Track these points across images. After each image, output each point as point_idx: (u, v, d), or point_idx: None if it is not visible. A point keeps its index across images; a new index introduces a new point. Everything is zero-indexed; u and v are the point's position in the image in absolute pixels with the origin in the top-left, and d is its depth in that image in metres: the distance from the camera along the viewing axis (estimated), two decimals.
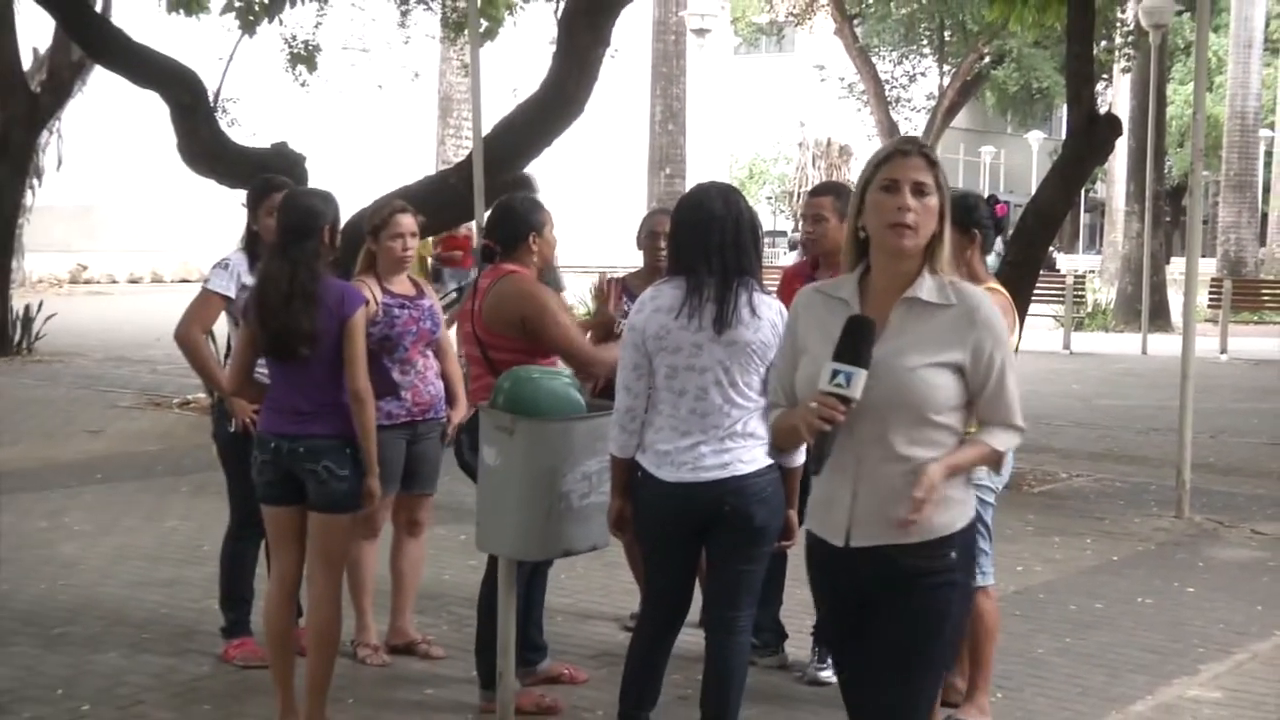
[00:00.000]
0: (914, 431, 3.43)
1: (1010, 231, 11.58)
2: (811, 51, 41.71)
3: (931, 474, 3.39)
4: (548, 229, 5.68)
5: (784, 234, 42.23)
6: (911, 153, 3.47)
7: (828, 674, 5.94)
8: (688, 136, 28.02)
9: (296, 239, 5.11)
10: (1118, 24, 26.43)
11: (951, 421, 3.48)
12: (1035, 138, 50.60)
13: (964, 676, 5.55)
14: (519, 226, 5.62)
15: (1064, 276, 24.90)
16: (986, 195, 5.72)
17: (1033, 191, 11.97)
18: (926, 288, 3.46)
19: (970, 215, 5.46)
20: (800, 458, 4.54)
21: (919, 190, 3.42)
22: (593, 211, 34.72)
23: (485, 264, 5.67)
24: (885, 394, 3.39)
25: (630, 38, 16.98)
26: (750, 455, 4.66)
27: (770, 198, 49.11)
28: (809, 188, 38.68)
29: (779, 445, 3.76)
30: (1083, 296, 25.94)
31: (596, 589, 7.22)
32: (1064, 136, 11.72)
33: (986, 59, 33.02)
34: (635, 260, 6.74)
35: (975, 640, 5.46)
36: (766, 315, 4.70)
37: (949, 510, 3.49)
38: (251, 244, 6.07)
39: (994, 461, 3.61)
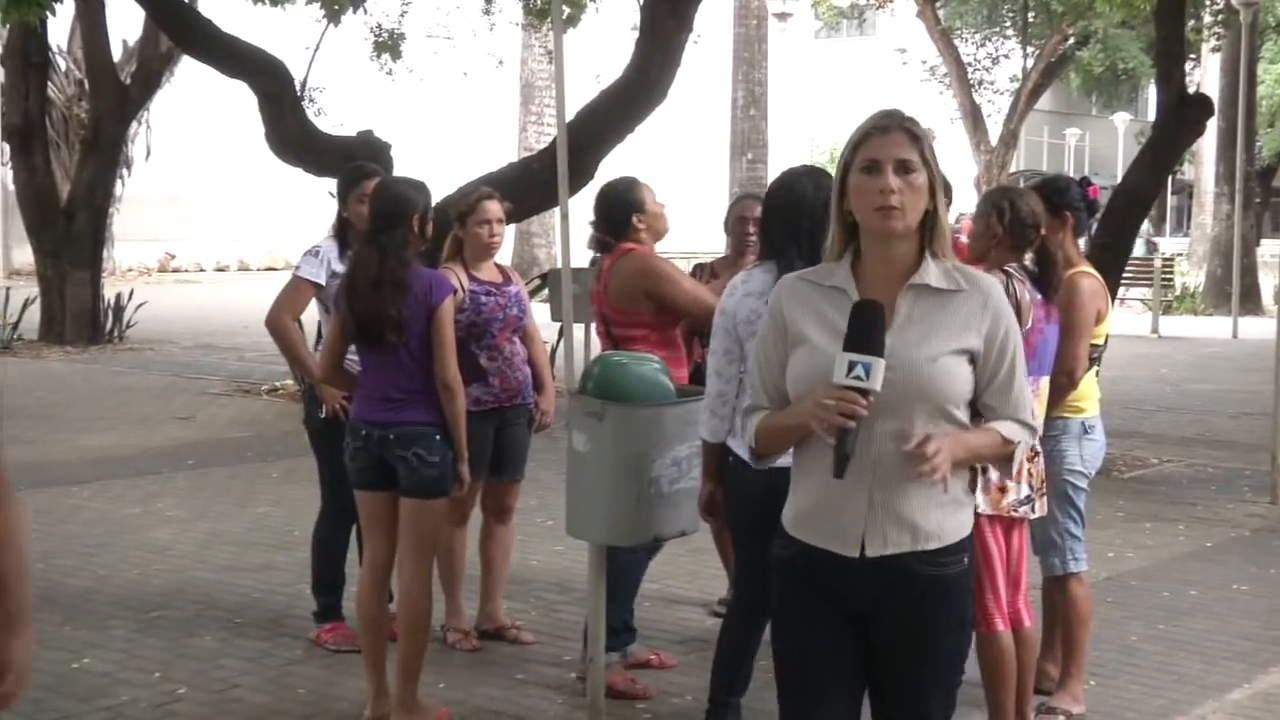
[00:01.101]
0: (932, 426, 3.14)
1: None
2: (893, 35, 41.36)
3: (941, 442, 3.07)
4: (649, 203, 5.74)
5: None
6: (891, 128, 3.20)
7: None
8: (769, 121, 27.90)
9: (387, 226, 5.15)
10: (1207, 2, 25.97)
11: (965, 417, 3.25)
12: (1121, 119, 49.87)
13: (1056, 663, 5.50)
14: (618, 210, 5.72)
15: (1152, 259, 24.56)
16: (1079, 177, 5.65)
17: (1118, 174, 11.84)
18: (933, 273, 3.21)
19: (1062, 197, 5.41)
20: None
21: (903, 168, 3.15)
22: (675, 197, 34.62)
23: (601, 255, 5.79)
24: (904, 386, 3.12)
25: (712, 22, 16.94)
26: None
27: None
28: None
29: (763, 450, 3.33)
30: (1171, 279, 25.59)
31: (684, 574, 7.22)
32: (1151, 118, 11.58)
33: (1071, 40, 32.57)
34: (718, 245, 6.74)
35: (1068, 627, 5.41)
36: None
37: (962, 512, 3.28)
38: (342, 231, 6.12)
39: (1003, 457, 3.28)
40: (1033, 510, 4.96)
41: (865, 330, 3.04)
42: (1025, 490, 4.91)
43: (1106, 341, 5.51)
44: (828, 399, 3.03)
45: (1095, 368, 5.47)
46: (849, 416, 3.01)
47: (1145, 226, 20.90)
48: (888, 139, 3.18)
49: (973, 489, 3.34)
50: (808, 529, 3.25)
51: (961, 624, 3.33)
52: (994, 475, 4.84)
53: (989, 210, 5.03)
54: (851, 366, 3.02)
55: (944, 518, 3.22)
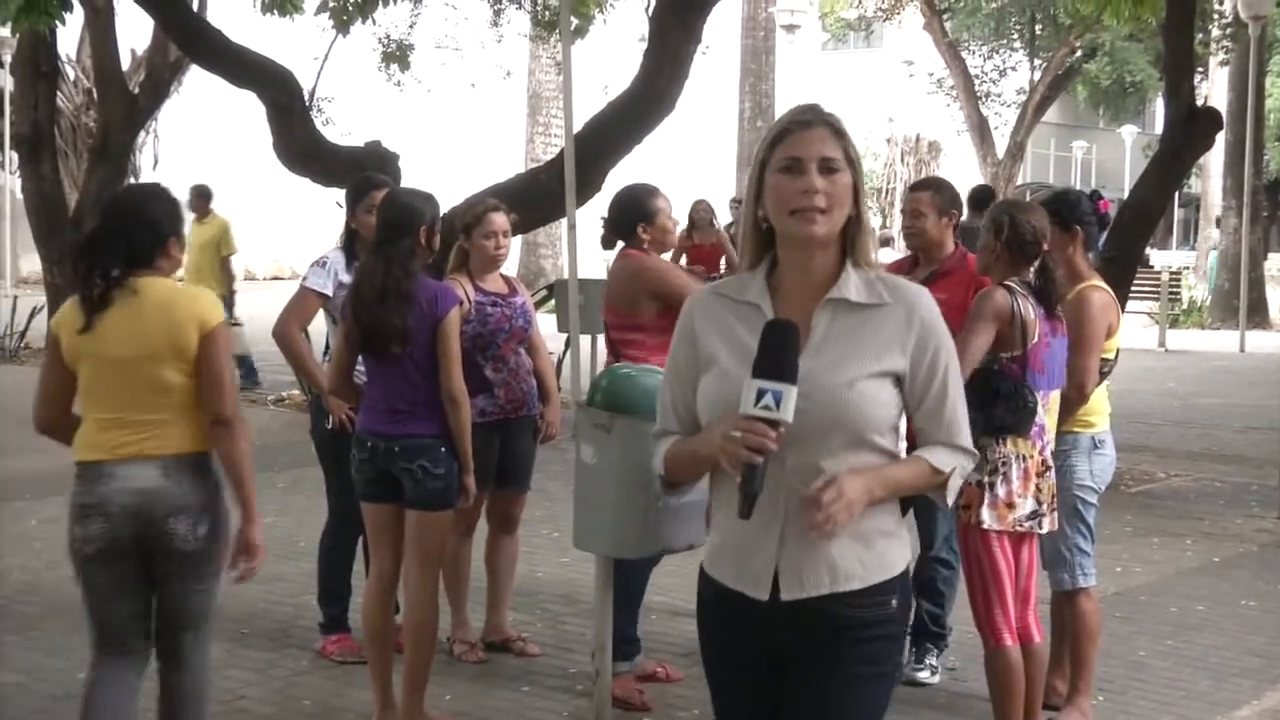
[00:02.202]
0: (852, 457, 2.86)
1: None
2: (900, 47, 41.35)
3: (846, 486, 2.78)
4: (660, 216, 5.75)
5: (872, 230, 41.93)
6: (814, 123, 2.91)
7: (925, 674, 5.90)
8: None
9: (394, 237, 5.15)
10: (1215, 16, 25.99)
11: (891, 445, 2.94)
12: (1128, 132, 49.86)
13: (1065, 679, 5.48)
14: (627, 215, 5.80)
15: (1159, 273, 24.54)
16: (1089, 191, 5.64)
17: (1125, 187, 11.82)
18: (854, 285, 2.92)
19: (1072, 211, 5.41)
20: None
21: (827, 167, 2.87)
22: (682, 208, 34.64)
23: (609, 249, 5.98)
24: (819, 415, 2.82)
25: (720, 34, 16.95)
26: None
27: None
28: (897, 184, 38.42)
29: (673, 479, 3.03)
30: (1178, 293, 25.56)
31: (690, 587, 7.10)
32: (1158, 131, 11.57)
33: (1078, 53, 32.61)
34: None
35: (1077, 642, 5.40)
36: None
37: (891, 549, 2.96)
38: (350, 242, 6.12)
39: (934, 486, 2.96)
40: (1040, 525, 4.95)
41: (776, 354, 2.76)
42: (1033, 505, 4.89)
43: (1117, 356, 5.50)
44: (734, 430, 2.74)
45: (1105, 382, 5.46)
46: (757, 451, 2.72)
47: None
48: (810, 135, 2.89)
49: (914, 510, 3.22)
50: (720, 568, 2.99)
51: (882, 675, 2.99)
52: (1000, 491, 4.83)
53: (989, 226, 5.02)
54: (760, 395, 2.73)
55: (867, 555, 2.91)
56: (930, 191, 6.01)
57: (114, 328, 4.16)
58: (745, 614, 2.95)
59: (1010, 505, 4.86)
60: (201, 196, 15.54)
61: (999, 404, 4.80)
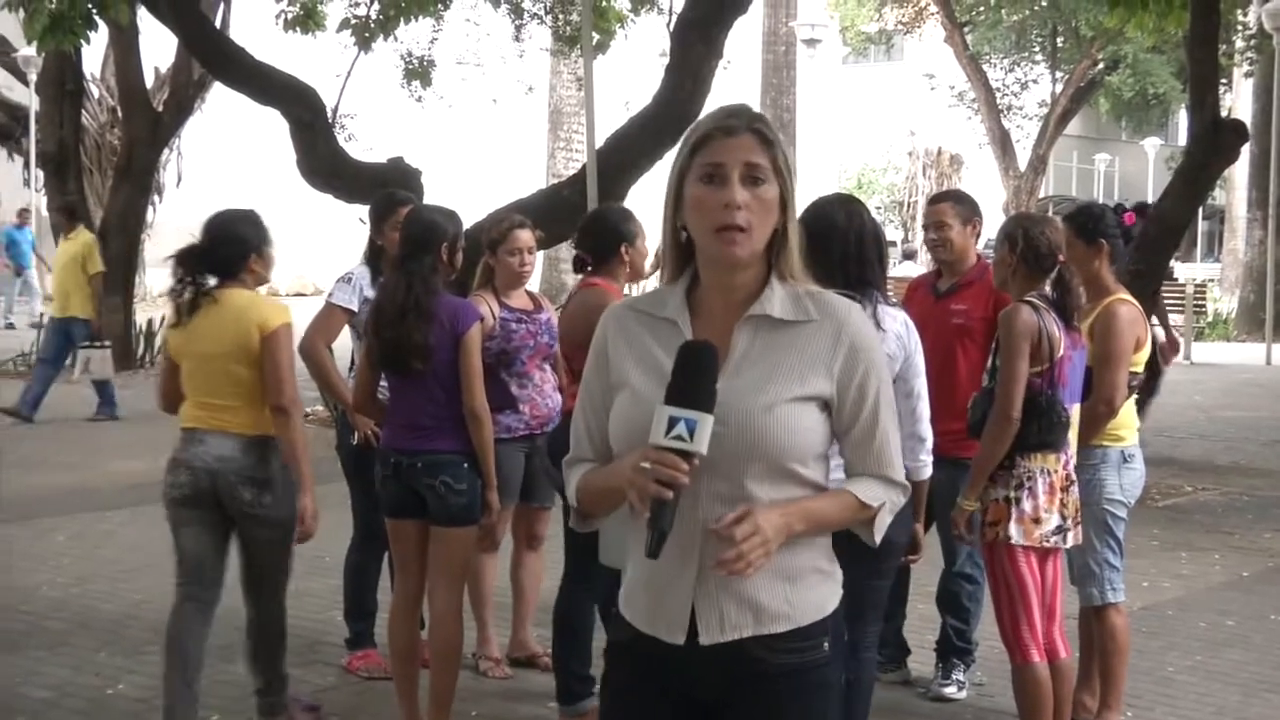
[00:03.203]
0: (773, 489, 2.63)
1: None
2: (921, 60, 41.36)
3: (762, 520, 2.54)
4: (640, 240, 5.66)
5: (894, 244, 41.92)
6: (739, 129, 2.65)
7: (952, 690, 5.88)
8: (797, 147, 27.91)
9: (415, 254, 5.17)
10: (1239, 27, 25.89)
11: (818, 475, 2.70)
12: (1151, 144, 49.72)
13: (1094, 694, 5.45)
14: (609, 237, 5.59)
15: (1183, 285, 24.46)
16: (1114, 204, 5.62)
17: (1149, 199, 11.80)
18: (778, 301, 2.67)
19: (1097, 225, 5.39)
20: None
21: (751, 177, 2.62)
22: None
23: (578, 274, 5.67)
24: (735, 441, 2.59)
25: (740, 49, 16.95)
26: None
27: (880, 208, 48.81)
28: (919, 197, 38.33)
29: (587, 511, 2.80)
30: (1203, 306, 25.46)
31: None
32: (1181, 143, 11.56)
33: (1100, 65, 32.56)
34: None
35: (1106, 658, 5.37)
36: (891, 327, 4.64)
37: (822, 587, 2.73)
38: (374, 258, 6.13)
39: (861, 522, 2.72)
40: (1065, 540, 4.93)
41: (692, 379, 2.53)
42: (1058, 520, 4.87)
43: (1145, 369, 5.48)
44: (643, 462, 2.50)
45: (1134, 396, 5.44)
46: (667, 485, 2.48)
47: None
48: (734, 142, 2.64)
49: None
50: (634, 609, 2.75)
51: None
52: (1026, 506, 4.81)
53: (1003, 240, 5.01)
54: (672, 424, 2.49)
55: (795, 593, 2.66)
56: (951, 201, 6.02)
57: (201, 329, 5.03)
58: (659, 662, 2.70)
59: (1036, 520, 4.84)
60: (65, 212, 15.21)
61: (1033, 420, 4.78)
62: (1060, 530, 4.89)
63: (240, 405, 5.02)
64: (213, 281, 5.11)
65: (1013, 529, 4.83)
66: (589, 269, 5.56)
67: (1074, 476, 4.96)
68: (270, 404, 5.00)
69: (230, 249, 5.13)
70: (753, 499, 2.60)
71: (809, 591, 2.69)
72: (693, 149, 2.67)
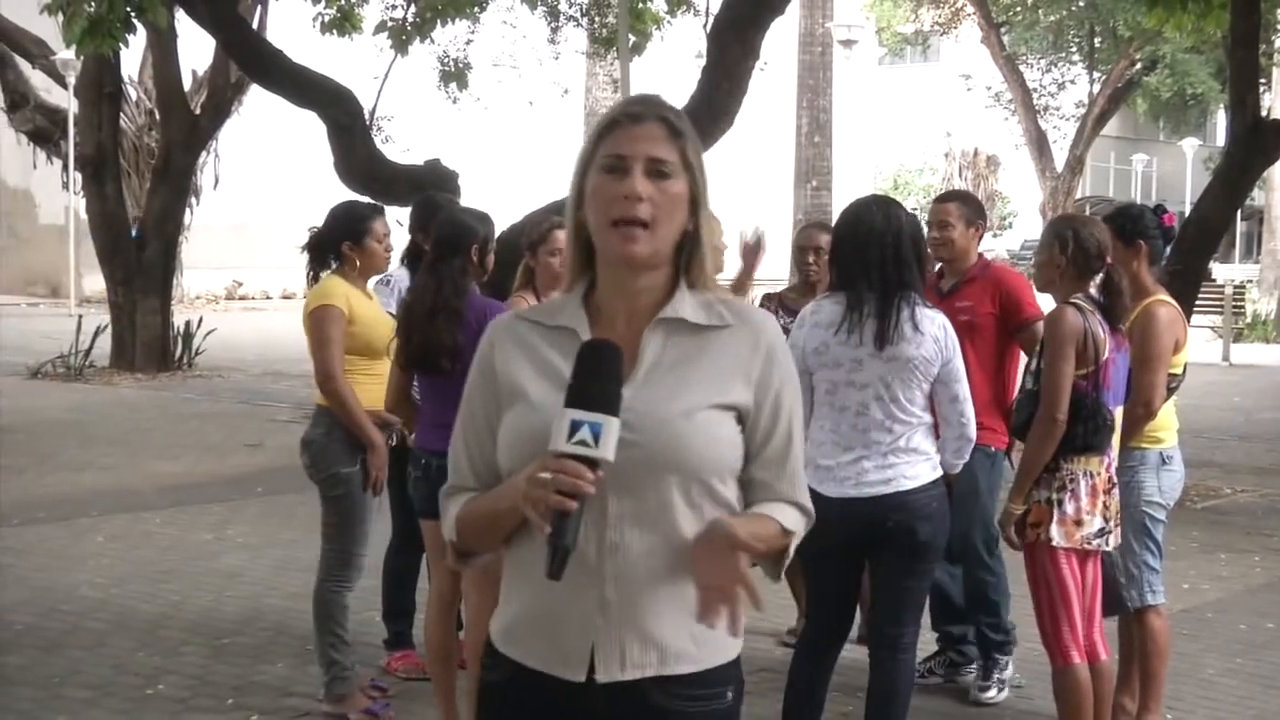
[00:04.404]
0: (689, 509, 2.38)
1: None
2: (957, 61, 41.22)
3: (739, 529, 2.31)
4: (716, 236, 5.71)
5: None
6: (645, 117, 2.43)
7: (992, 693, 5.86)
8: (834, 148, 27.86)
9: (446, 255, 5.20)
10: (1279, 27, 25.71)
11: (732, 497, 2.44)
12: (1189, 145, 49.43)
13: (1133, 697, 5.42)
14: None
15: (1222, 287, 24.29)
16: (1154, 205, 5.59)
17: (1187, 200, 11.72)
18: (689, 306, 2.45)
19: (1136, 226, 5.36)
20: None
21: (657, 170, 2.39)
22: (739, 224, 34.70)
23: None
24: (648, 452, 2.34)
25: (777, 50, 16.94)
26: (914, 471, 4.62)
27: (916, 209, 48.73)
28: None
29: (465, 545, 2.51)
30: (1242, 307, 25.29)
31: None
32: (1220, 143, 11.49)
33: (1138, 65, 32.38)
34: (782, 272, 6.75)
35: (1146, 660, 5.34)
36: (929, 330, 4.64)
37: (725, 628, 2.41)
38: (413, 260, 6.15)
39: (776, 553, 2.45)
40: (1107, 542, 4.91)
41: (594, 379, 2.29)
42: (1100, 522, 4.85)
43: (1185, 371, 5.45)
44: (543, 471, 2.24)
45: (1173, 398, 5.40)
46: (570, 496, 2.22)
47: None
48: (639, 130, 2.41)
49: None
50: (521, 645, 2.45)
51: None
52: (1069, 508, 4.79)
53: (1052, 240, 4.97)
54: (575, 428, 2.25)
55: (704, 633, 2.37)
56: (957, 202, 6.05)
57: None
58: (549, 702, 2.43)
59: (1078, 522, 4.82)
60: None
61: (1078, 423, 4.76)
62: (1102, 533, 4.87)
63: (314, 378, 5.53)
64: (334, 267, 5.58)
65: (1054, 531, 4.81)
66: None
67: (1115, 479, 4.94)
68: (316, 380, 5.48)
69: (330, 238, 5.56)
70: (666, 519, 2.36)
71: (718, 631, 2.36)
72: (597, 137, 2.45)
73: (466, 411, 2.57)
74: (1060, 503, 4.82)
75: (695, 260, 2.46)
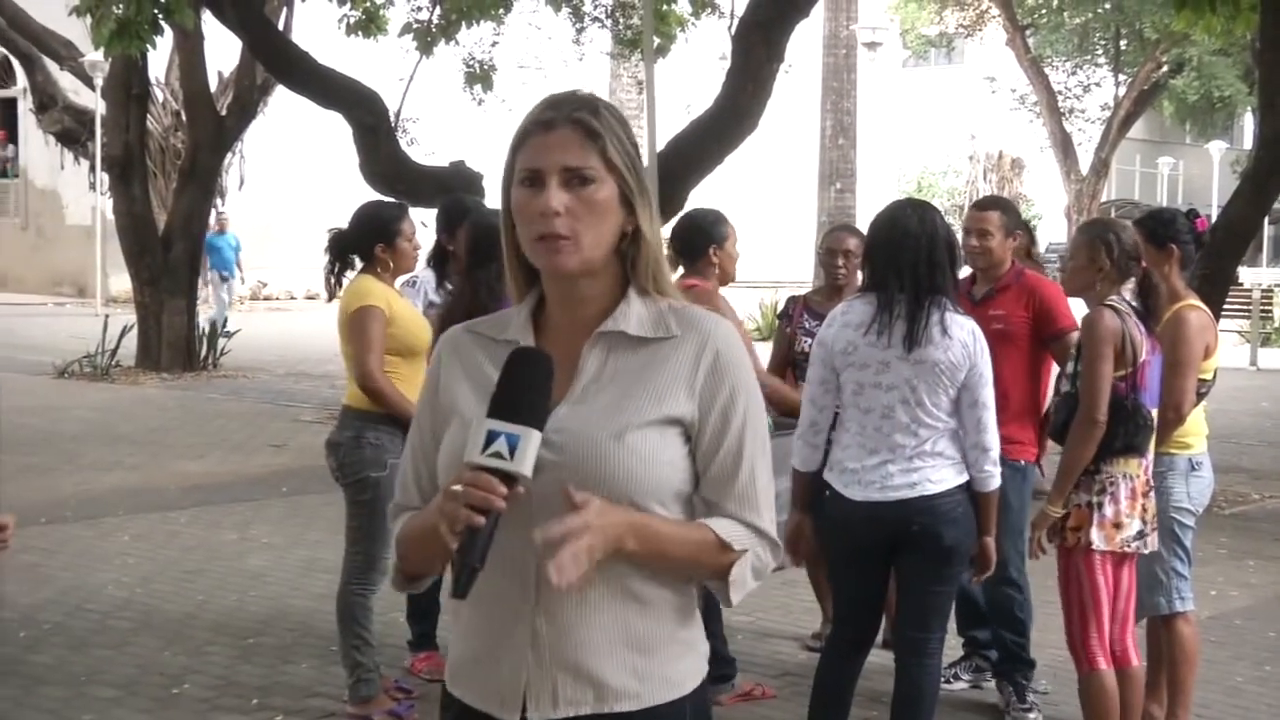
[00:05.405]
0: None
1: None
2: (982, 63, 41.12)
3: (594, 513, 2.12)
4: (729, 242, 5.72)
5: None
6: (556, 123, 2.25)
7: (1034, 716, 5.72)
8: (858, 151, 27.81)
9: (482, 260, 5.21)
10: None
11: (682, 518, 2.29)
12: (1216, 148, 49.17)
13: (1161, 704, 5.39)
14: (699, 238, 5.69)
15: (1249, 291, 24.17)
16: (1186, 209, 5.56)
17: (1214, 203, 11.66)
18: (634, 317, 2.29)
19: (1168, 230, 5.33)
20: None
21: (576, 179, 2.23)
22: (764, 226, 34.73)
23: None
24: (575, 473, 2.19)
25: (801, 52, 16.92)
26: (939, 475, 4.59)
27: (940, 211, 48.47)
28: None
29: (410, 568, 2.38)
30: (1269, 311, 25.16)
31: (776, 607, 7.16)
32: (1247, 146, 11.43)
33: (1164, 68, 32.28)
34: (806, 275, 6.74)
35: (1174, 667, 5.31)
36: (958, 335, 4.62)
37: (682, 660, 2.31)
38: (440, 261, 6.15)
39: (717, 568, 2.27)
40: (1146, 546, 4.89)
41: (517, 388, 2.16)
42: (1139, 525, 4.83)
43: (1215, 376, 5.42)
44: (456, 485, 2.11)
45: (1202, 403, 5.37)
46: (481, 510, 2.08)
47: None
48: (550, 139, 2.24)
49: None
50: (462, 684, 2.34)
51: None
52: (1108, 511, 4.76)
53: (1095, 244, 4.93)
54: (491, 439, 2.11)
55: (647, 665, 2.25)
56: (999, 211, 5.99)
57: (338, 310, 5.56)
58: None
59: (1118, 525, 4.80)
60: None
61: (1119, 425, 4.74)
62: (1140, 535, 4.85)
63: (350, 380, 5.49)
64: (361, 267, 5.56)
65: (1095, 534, 4.79)
66: (680, 269, 5.66)
67: (1152, 482, 4.92)
68: (355, 379, 5.43)
69: (354, 240, 5.53)
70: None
71: (665, 664, 2.26)
72: (514, 149, 2.29)
73: (415, 429, 2.43)
74: (1100, 506, 4.79)
75: (641, 264, 2.30)
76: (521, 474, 2.10)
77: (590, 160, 2.24)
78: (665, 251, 2.40)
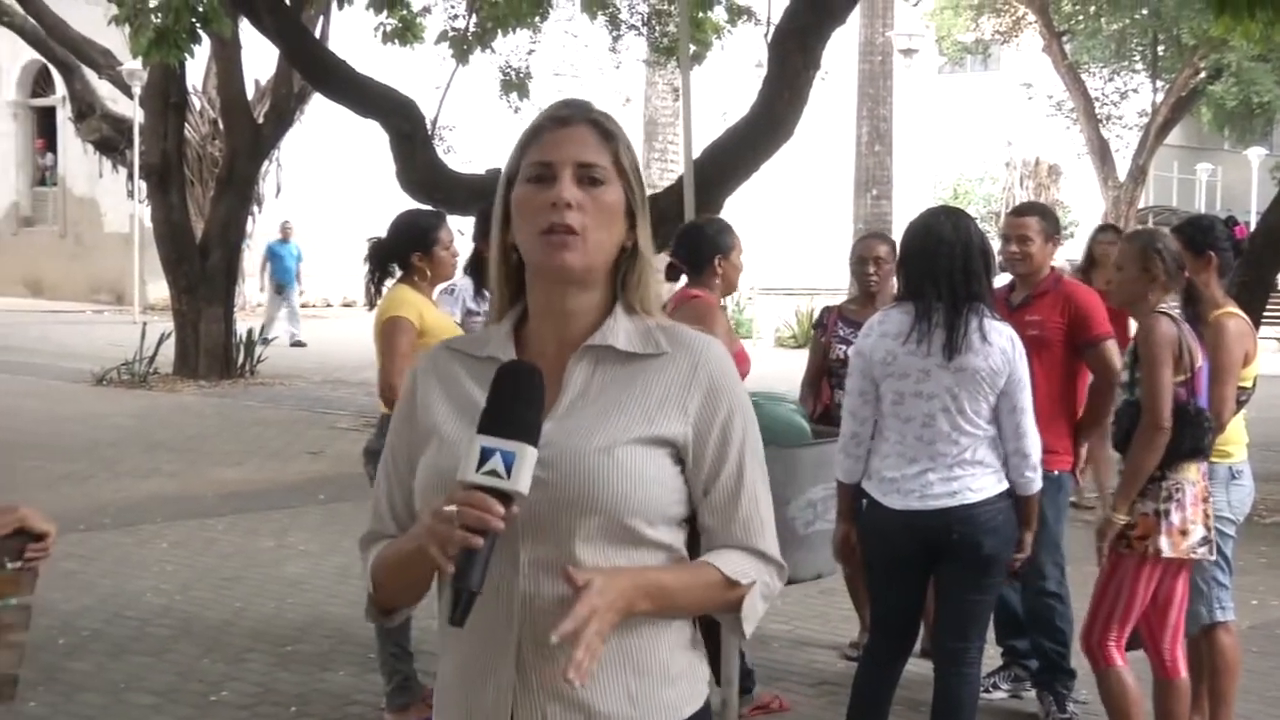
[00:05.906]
0: (612, 553, 2.13)
1: None
2: (1018, 69, 40.96)
3: (600, 593, 2.03)
4: (735, 253, 5.66)
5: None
6: (572, 120, 2.21)
7: None
8: (894, 157, 27.74)
9: None
10: None
11: (667, 540, 2.19)
12: (1255, 154, 48.79)
13: (1203, 715, 5.35)
14: (705, 248, 5.61)
15: None
16: (1225, 216, 5.53)
17: (1252, 210, 11.58)
18: (623, 331, 2.22)
19: (1206, 237, 5.30)
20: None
21: (588, 176, 2.17)
22: (799, 234, 34.67)
23: (669, 281, 5.67)
24: (564, 490, 2.11)
25: (837, 59, 16.90)
26: (979, 483, 4.58)
27: (976, 218, 48.31)
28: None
29: (385, 599, 2.28)
30: None
31: (813, 615, 7.15)
32: None
33: (1202, 74, 32.06)
34: (841, 282, 6.74)
35: (1216, 677, 5.28)
36: (997, 342, 4.60)
37: (680, 681, 2.22)
38: (478, 268, 6.17)
39: (727, 604, 2.20)
40: (1211, 551, 4.88)
41: (510, 404, 2.07)
42: (1203, 531, 4.81)
43: (1255, 384, 5.38)
44: (449, 504, 2.01)
45: (1242, 411, 5.34)
46: (478, 531, 1.98)
47: None
48: (566, 133, 2.19)
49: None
50: (448, 711, 2.25)
51: None
52: (1175, 518, 4.74)
53: (1149, 252, 4.88)
54: (486, 456, 2.02)
55: (643, 690, 2.17)
56: (1038, 217, 5.98)
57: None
58: None
59: (1184, 532, 4.78)
60: None
61: (1184, 430, 4.72)
62: (1205, 541, 4.83)
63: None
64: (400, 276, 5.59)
65: (1163, 542, 4.76)
66: (683, 277, 5.58)
67: (1210, 488, 4.90)
68: (379, 389, 5.55)
69: (393, 249, 5.58)
70: (584, 567, 2.09)
71: (661, 689, 2.17)
72: (522, 147, 2.23)
73: (388, 453, 2.33)
74: (1166, 513, 4.77)
75: (634, 280, 2.24)
76: (519, 493, 2.01)
77: (604, 159, 2.19)
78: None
